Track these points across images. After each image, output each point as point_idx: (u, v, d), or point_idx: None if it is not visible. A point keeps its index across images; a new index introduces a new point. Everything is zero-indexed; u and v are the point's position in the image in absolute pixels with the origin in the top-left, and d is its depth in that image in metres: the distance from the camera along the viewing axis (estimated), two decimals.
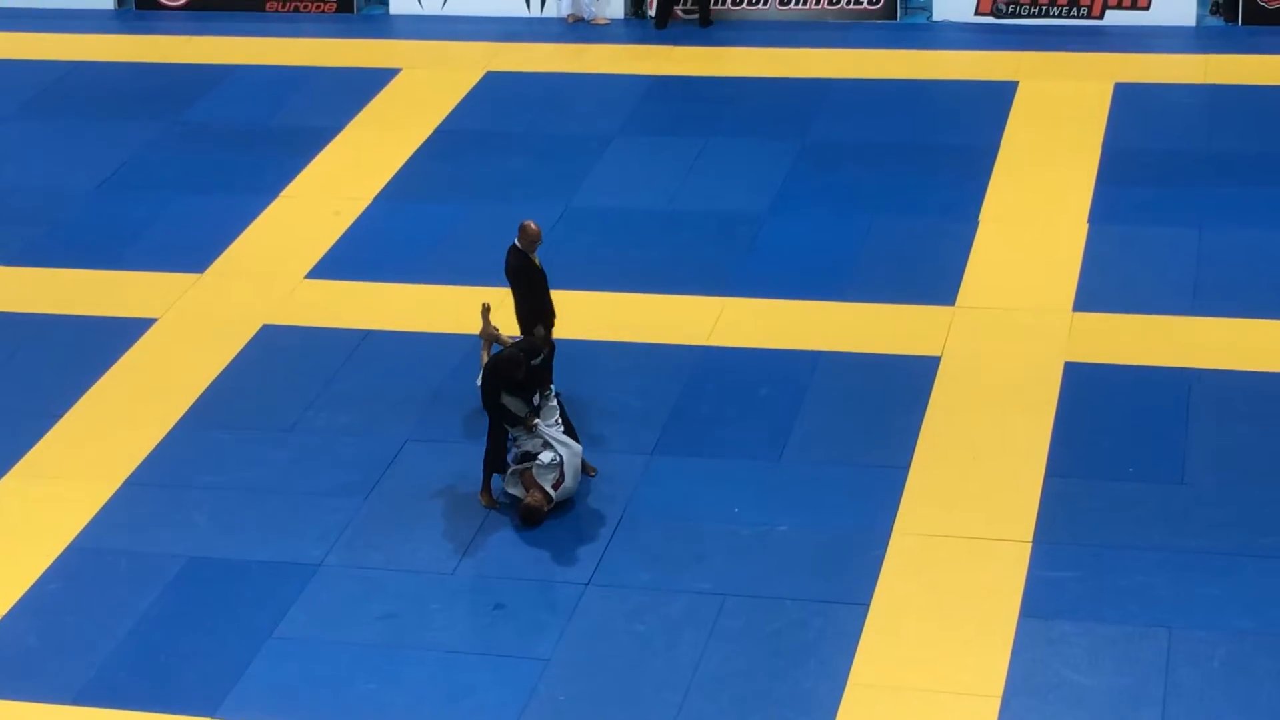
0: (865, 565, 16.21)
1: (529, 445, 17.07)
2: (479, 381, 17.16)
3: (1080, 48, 26.20)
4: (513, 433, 17.05)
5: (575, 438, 17.21)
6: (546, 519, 16.97)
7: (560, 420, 17.19)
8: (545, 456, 16.99)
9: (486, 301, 18.16)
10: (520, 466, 17.08)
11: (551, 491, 16.96)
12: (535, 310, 18.06)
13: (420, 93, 25.85)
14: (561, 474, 16.98)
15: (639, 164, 23.63)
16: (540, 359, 17.02)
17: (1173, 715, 14.45)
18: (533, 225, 18.07)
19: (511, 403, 16.91)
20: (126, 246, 22.19)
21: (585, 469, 17.38)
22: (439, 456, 17.91)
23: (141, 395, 19.22)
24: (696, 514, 17.06)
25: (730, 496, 17.26)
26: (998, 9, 27.20)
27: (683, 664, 15.23)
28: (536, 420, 16.97)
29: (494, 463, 17.11)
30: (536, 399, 17.03)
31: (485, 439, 17.14)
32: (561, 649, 15.49)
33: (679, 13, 27.78)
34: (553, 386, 17.29)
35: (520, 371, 16.77)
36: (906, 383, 18.71)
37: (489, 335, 17.84)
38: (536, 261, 18.10)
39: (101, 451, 18.35)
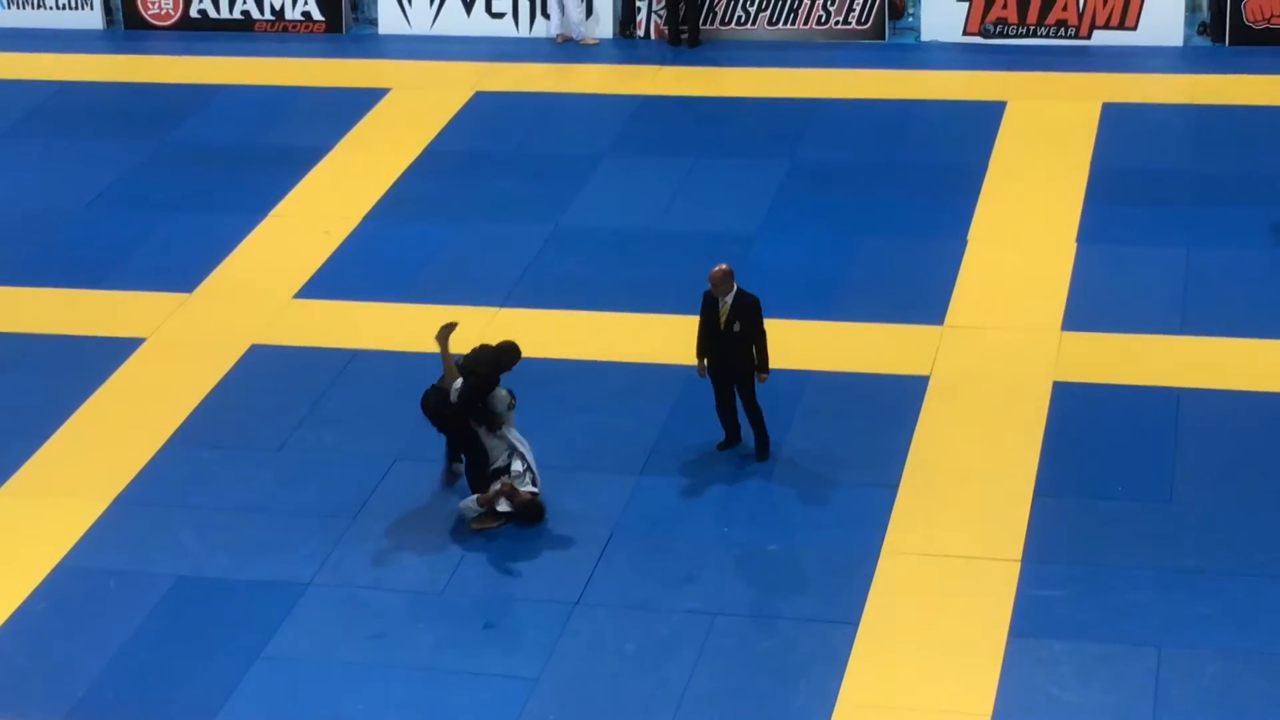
0: (855, 584, 16.21)
1: (500, 461, 17.14)
2: (459, 388, 17.03)
3: (1068, 68, 26.25)
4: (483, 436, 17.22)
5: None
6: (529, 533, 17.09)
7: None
8: (517, 465, 17.11)
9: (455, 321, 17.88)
10: (497, 483, 17.12)
11: (535, 489, 17.04)
12: (700, 347, 17.84)
13: (409, 112, 25.86)
14: (534, 476, 17.07)
15: (628, 184, 23.64)
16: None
17: None
18: (715, 268, 17.49)
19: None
20: (115, 266, 22.18)
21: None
22: (428, 476, 17.88)
23: (130, 415, 19.20)
24: (686, 533, 17.05)
25: (720, 516, 17.25)
26: (986, 29, 27.25)
27: (672, 684, 15.21)
28: (504, 423, 17.17)
29: (483, 477, 17.13)
30: (498, 405, 17.19)
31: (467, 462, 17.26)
32: (550, 669, 15.47)
33: (662, 27, 27.82)
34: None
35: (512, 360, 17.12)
36: (895, 402, 18.71)
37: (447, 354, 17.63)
38: (723, 305, 17.42)
39: (89, 471, 18.32)
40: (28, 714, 15.31)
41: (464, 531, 17.16)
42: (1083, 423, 18.28)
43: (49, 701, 15.41)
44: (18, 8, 29.64)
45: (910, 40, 27.61)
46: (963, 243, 21.65)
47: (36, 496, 18.04)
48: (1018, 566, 16.30)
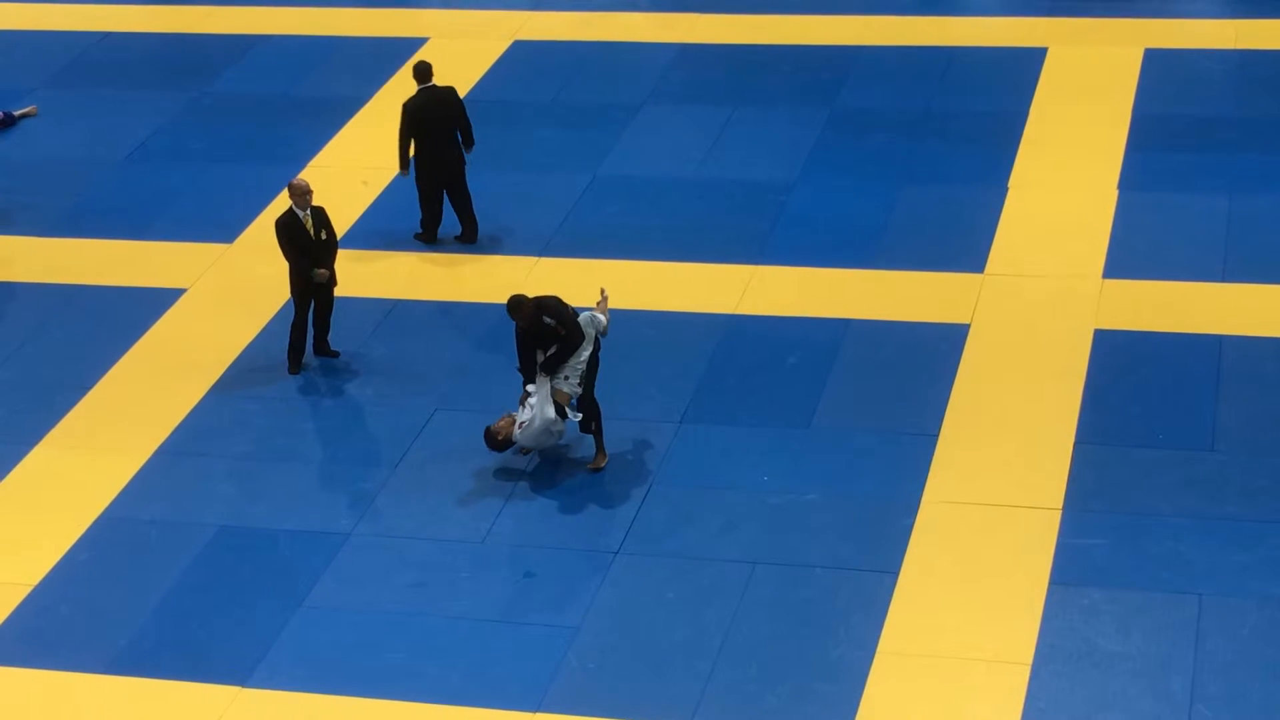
0: (894, 533, 16.21)
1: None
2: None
3: (1109, 13, 26.08)
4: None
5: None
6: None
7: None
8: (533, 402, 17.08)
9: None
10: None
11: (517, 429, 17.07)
12: None
13: (448, 61, 25.79)
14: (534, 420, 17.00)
15: (667, 132, 23.59)
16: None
17: (1203, 682, 14.44)
18: None
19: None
20: (155, 217, 22.24)
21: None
22: (467, 425, 17.91)
23: (171, 365, 19.27)
24: (726, 482, 17.06)
25: (759, 465, 17.26)
26: None
27: (712, 632, 15.24)
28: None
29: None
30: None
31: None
32: (590, 618, 15.51)
33: None
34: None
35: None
36: (936, 350, 18.68)
37: None
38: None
39: (131, 421, 18.40)
40: (71, 662, 15.42)
41: (504, 481, 17.20)
42: (1124, 370, 18.23)
43: (92, 650, 15.52)
44: None
45: None
46: (1003, 190, 21.57)
47: (79, 448, 18.13)
48: (1058, 515, 16.28)
